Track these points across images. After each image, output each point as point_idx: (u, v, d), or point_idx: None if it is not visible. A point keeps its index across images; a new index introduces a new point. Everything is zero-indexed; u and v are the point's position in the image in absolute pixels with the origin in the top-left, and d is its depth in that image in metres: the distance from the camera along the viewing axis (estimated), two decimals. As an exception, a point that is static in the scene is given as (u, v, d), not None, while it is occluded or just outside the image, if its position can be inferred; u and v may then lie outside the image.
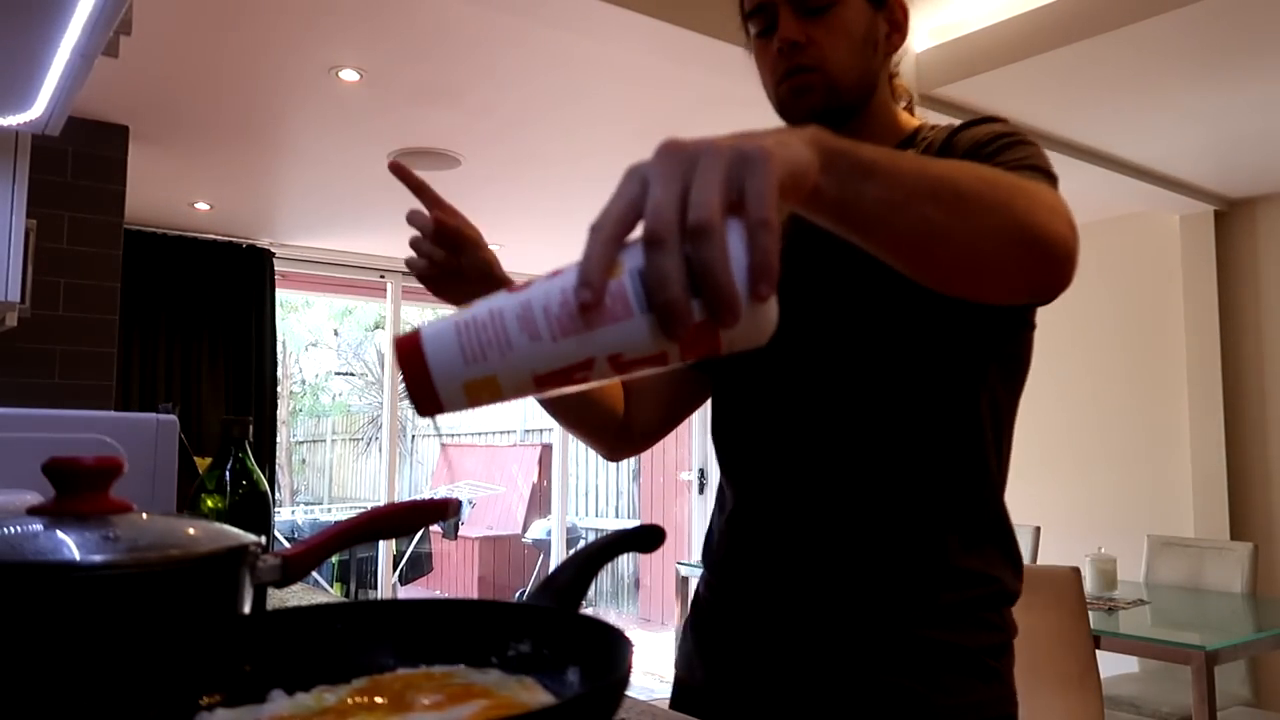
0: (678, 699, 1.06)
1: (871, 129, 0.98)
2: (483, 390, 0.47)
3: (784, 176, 0.49)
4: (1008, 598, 0.93)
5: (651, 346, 0.45)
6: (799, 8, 0.95)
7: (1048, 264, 0.70)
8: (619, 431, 1.14)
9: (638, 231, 0.46)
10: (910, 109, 1.07)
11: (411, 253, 1.01)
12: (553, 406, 1.11)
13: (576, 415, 1.11)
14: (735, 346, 0.46)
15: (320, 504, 9.95)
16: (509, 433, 8.99)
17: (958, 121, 0.97)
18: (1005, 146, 0.87)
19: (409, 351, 0.47)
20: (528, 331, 0.45)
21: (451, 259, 1.01)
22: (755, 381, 0.99)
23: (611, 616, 7.05)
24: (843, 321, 0.92)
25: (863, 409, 0.91)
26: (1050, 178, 0.83)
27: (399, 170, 1.00)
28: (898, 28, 1.00)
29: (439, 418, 0.50)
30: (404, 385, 0.47)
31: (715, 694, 0.99)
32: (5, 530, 0.57)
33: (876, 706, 0.87)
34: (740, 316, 0.44)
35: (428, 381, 0.47)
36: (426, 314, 11.73)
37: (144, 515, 0.63)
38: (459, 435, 9.72)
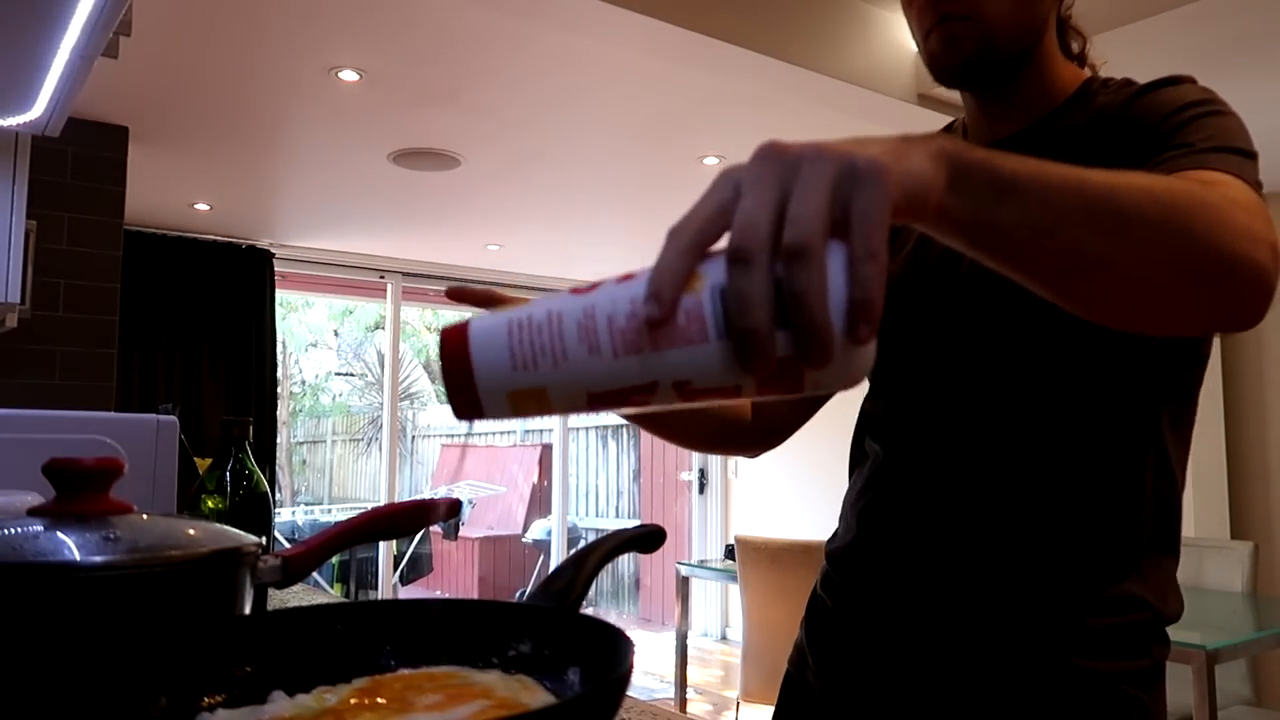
0: (785, 694, 1.00)
1: (1033, 85, 0.88)
2: (529, 401, 0.41)
3: (900, 197, 0.43)
4: (1160, 623, 0.86)
5: (724, 378, 0.39)
6: None
7: (1234, 298, 0.58)
8: (748, 436, 1.04)
9: (724, 243, 0.40)
10: (1084, 54, 0.94)
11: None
12: (652, 422, 1.00)
13: (684, 430, 1.00)
14: (820, 388, 0.40)
15: (320, 504, 9.95)
16: (509, 433, 8.99)
17: (1128, 79, 0.86)
18: (1194, 119, 0.75)
19: (454, 348, 0.42)
20: (587, 343, 0.40)
21: None
22: (912, 390, 0.91)
23: (611, 616, 7.05)
24: (997, 349, 0.84)
25: (1018, 439, 0.83)
26: (1248, 161, 0.70)
27: (459, 295, 0.89)
28: None
29: (476, 422, 0.44)
30: (443, 382, 0.42)
31: (828, 700, 0.93)
32: (6, 531, 0.57)
33: None
34: (832, 357, 0.38)
35: (470, 384, 0.41)
36: (426, 314, 11.74)
37: (144, 516, 0.63)
38: (459, 435, 9.72)
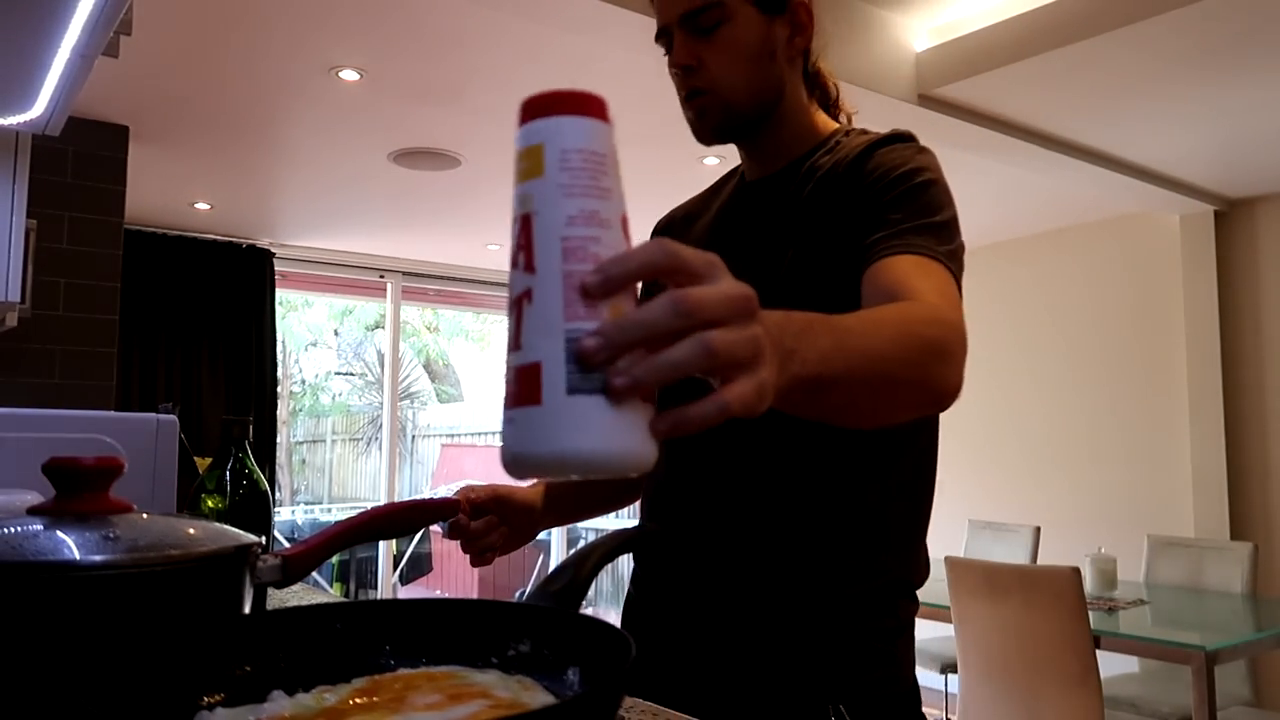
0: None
1: (783, 135, 1.02)
2: None
3: (755, 405, 0.50)
4: (905, 585, 1.01)
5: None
6: (690, 30, 0.97)
7: (938, 408, 0.80)
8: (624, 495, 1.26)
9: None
10: (837, 103, 1.10)
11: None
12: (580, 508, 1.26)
13: (584, 508, 1.25)
14: (596, 450, 0.45)
15: (320, 504, 9.95)
16: (509, 433, 8.97)
17: (885, 132, 1.00)
18: (910, 193, 0.90)
19: None
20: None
21: (494, 524, 1.06)
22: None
23: (611, 616, 7.04)
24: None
25: (771, 466, 0.98)
26: (945, 230, 0.89)
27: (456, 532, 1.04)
28: (801, 29, 1.02)
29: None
30: None
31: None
32: (5, 530, 0.57)
33: (779, 678, 0.96)
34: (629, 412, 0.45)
35: None
36: (426, 314, 11.73)
37: (144, 515, 0.63)
38: (459, 435, 9.72)
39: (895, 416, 0.79)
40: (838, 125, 1.05)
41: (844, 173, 0.96)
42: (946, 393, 0.78)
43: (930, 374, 0.75)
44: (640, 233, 1.07)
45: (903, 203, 0.90)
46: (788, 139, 1.02)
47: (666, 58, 1.02)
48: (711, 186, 1.17)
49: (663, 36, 1.00)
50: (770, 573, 0.98)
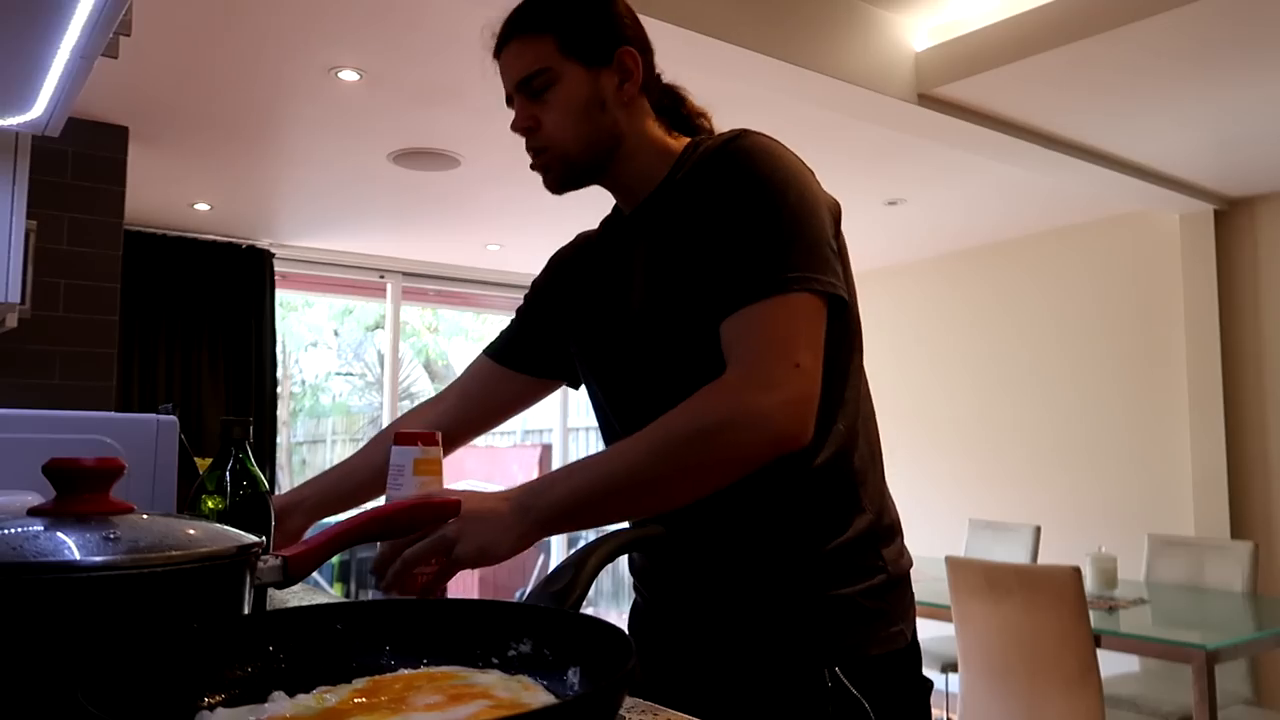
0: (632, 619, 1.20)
1: (632, 171, 1.06)
2: None
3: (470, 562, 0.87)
4: (884, 530, 1.01)
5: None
6: (527, 94, 1.05)
7: (766, 459, 0.88)
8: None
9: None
10: (690, 111, 1.16)
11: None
12: None
13: None
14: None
15: (320, 504, 9.93)
16: (509, 433, 8.99)
17: (715, 142, 1.03)
18: (742, 221, 0.93)
19: None
20: None
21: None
22: (615, 388, 1.11)
23: (612, 616, 7.04)
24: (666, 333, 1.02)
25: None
26: (789, 249, 0.91)
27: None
28: (628, 75, 1.05)
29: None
30: None
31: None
32: (5, 530, 0.57)
33: (775, 642, 0.98)
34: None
35: None
36: (426, 314, 11.71)
37: (144, 516, 0.63)
38: (459, 435, 9.71)
39: (705, 490, 0.89)
40: (691, 139, 1.09)
41: (700, 181, 1.00)
42: (750, 457, 0.87)
43: (706, 460, 0.87)
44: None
45: (736, 236, 0.93)
46: (641, 171, 1.07)
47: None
48: (601, 221, 1.22)
49: (510, 102, 1.09)
50: (742, 549, 1.00)
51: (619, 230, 1.13)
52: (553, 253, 1.26)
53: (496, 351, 1.24)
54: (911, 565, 1.04)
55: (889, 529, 1.02)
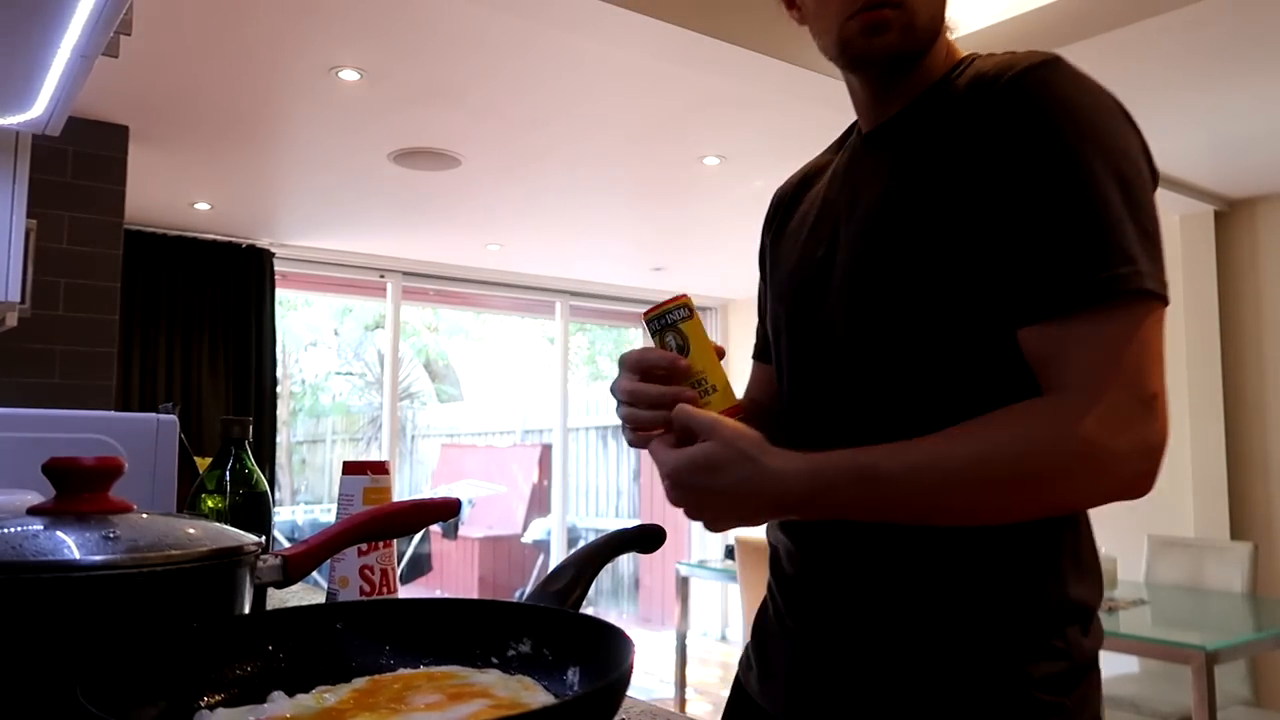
0: (732, 702, 1.00)
1: (924, 68, 0.86)
2: None
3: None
4: (1062, 615, 0.79)
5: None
6: None
7: (1092, 505, 0.74)
8: None
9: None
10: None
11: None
12: None
13: None
14: None
15: (320, 504, 9.95)
16: (509, 433, 8.99)
17: (1024, 59, 0.80)
18: (1063, 193, 0.71)
19: None
20: None
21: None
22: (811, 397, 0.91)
23: (611, 616, 7.05)
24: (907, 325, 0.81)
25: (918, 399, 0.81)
26: (1128, 237, 0.70)
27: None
28: None
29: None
30: None
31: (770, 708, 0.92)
32: (5, 530, 0.57)
33: None
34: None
35: None
36: (426, 314, 11.71)
37: (144, 515, 0.63)
38: (459, 435, 9.72)
39: (1003, 523, 0.75)
40: (968, 54, 0.88)
41: (984, 99, 0.78)
42: (1081, 505, 0.74)
43: (1031, 502, 0.71)
44: (791, 165, 1.03)
45: (1049, 204, 0.72)
46: (925, 71, 0.86)
47: None
48: (830, 146, 1.03)
49: None
50: (900, 612, 0.81)
51: (862, 151, 0.91)
52: (779, 187, 1.07)
53: (757, 351, 1.06)
54: (1100, 645, 0.83)
55: (1086, 607, 0.81)
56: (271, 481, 4.87)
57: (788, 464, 0.72)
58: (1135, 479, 0.69)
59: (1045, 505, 0.73)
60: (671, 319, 0.81)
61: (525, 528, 7.92)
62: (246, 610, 0.64)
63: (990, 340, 0.76)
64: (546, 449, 8.14)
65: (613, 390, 0.85)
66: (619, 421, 0.87)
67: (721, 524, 0.76)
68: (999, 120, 0.76)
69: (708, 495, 0.74)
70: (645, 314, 0.82)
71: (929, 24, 0.83)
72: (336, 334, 11.94)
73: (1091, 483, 0.69)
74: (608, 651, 0.53)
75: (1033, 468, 0.69)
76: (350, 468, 0.98)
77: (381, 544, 0.98)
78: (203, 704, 0.53)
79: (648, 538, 0.76)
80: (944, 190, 0.78)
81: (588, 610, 0.66)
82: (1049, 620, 0.78)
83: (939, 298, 0.77)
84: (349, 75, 2.91)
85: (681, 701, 4.11)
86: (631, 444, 0.86)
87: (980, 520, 0.74)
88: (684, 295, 0.82)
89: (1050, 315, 0.71)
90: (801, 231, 0.94)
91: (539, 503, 8.08)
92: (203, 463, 1.25)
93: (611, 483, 8.19)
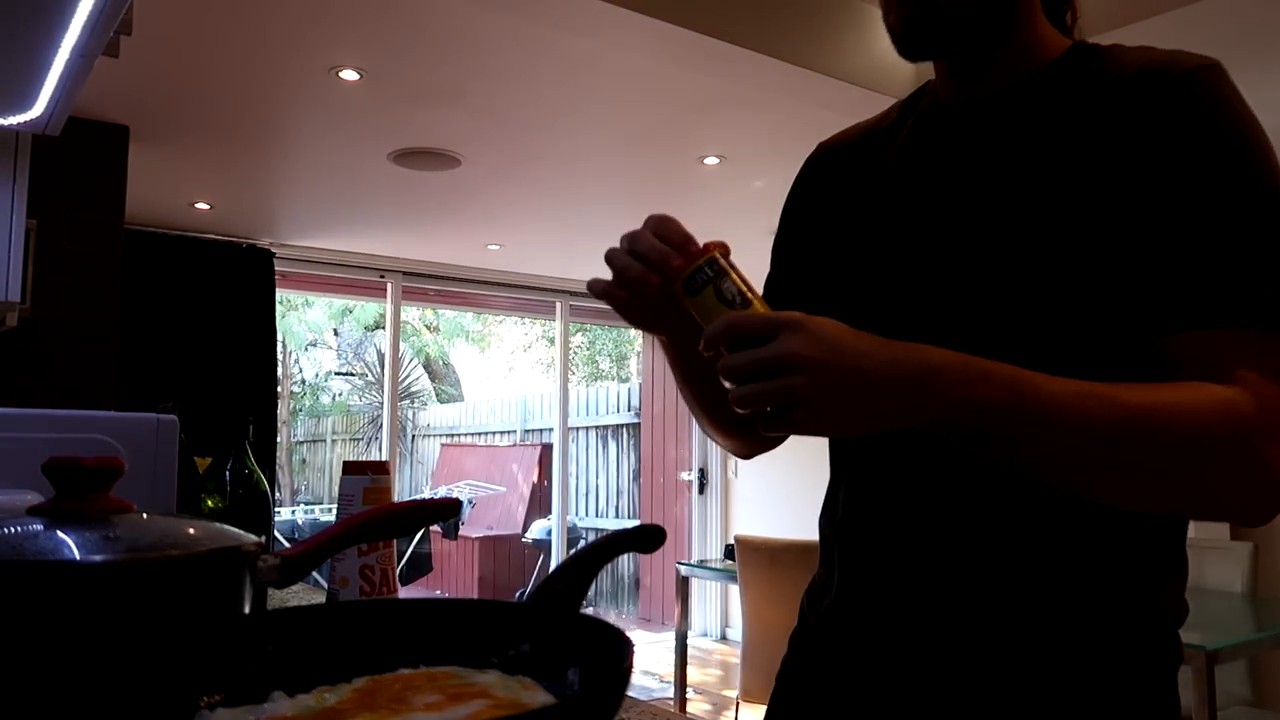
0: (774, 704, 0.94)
1: (1013, 47, 0.82)
2: None
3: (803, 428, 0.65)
4: (1166, 626, 0.80)
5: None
6: None
7: (1217, 518, 0.70)
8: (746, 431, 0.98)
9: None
10: (1072, 27, 0.88)
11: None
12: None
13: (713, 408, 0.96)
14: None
15: (320, 504, 9.96)
16: (509, 433, 8.99)
17: (1125, 46, 0.79)
18: (1241, 200, 0.69)
19: None
20: None
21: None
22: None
23: (611, 616, 7.06)
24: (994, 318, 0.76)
25: None
26: None
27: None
28: None
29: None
30: None
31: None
32: (6, 530, 0.57)
33: None
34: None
35: None
36: (426, 314, 11.71)
37: (144, 515, 0.63)
38: (459, 435, 9.73)
39: (1127, 503, 0.69)
40: (1074, 42, 0.83)
41: (1118, 91, 0.74)
42: (1214, 504, 0.68)
43: (1182, 478, 0.65)
44: (791, 165, 1.03)
45: (1207, 221, 0.68)
46: (1019, 52, 0.81)
47: None
48: (880, 115, 0.96)
49: None
50: (1011, 624, 0.76)
51: (952, 121, 0.85)
52: (815, 148, 1.00)
53: None
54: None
55: (1178, 622, 0.81)
56: (271, 481, 4.87)
57: (930, 346, 0.66)
58: (1267, 502, 0.66)
59: (1193, 489, 0.66)
60: (705, 276, 0.71)
61: (525, 528, 7.92)
62: (246, 610, 0.64)
63: (1114, 335, 0.72)
64: (546, 449, 8.14)
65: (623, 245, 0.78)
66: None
67: (841, 410, 0.63)
68: (1174, 117, 0.72)
69: (830, 373, 0.62)
70: (679, 277, 0.72)
71: (979, 4, 0.79)
72: (336, 334, 11.95)
73: (1240, 480, 0.65)
74: (608, 651, 0.53)
75: (1201, 441, 0.64)
76: (350, 468, 0.98)
77: (381, 544, 0.98)
78: (203, 704, 0.53)
79: (648, 538, 0.76)
80: (1104, 177, 0.72)
81: (588, 610, 0.66)
82: (1174, 620, 0.81)
83: (1081, 287, 0.72)
84: (349, 75, 2.91)
85: (682, 701, 4.11)
86: (597, 292, 0.79)
87: (1123, 486, 0.66)
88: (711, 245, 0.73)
89: (1210, 324, 0.67)
90: (887, 200, 0.86)
91: (539, 502, 8.08)
92: (203, 463, 1.25)
93: (611, 483, 8.20)
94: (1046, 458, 0.65)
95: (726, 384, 0.65)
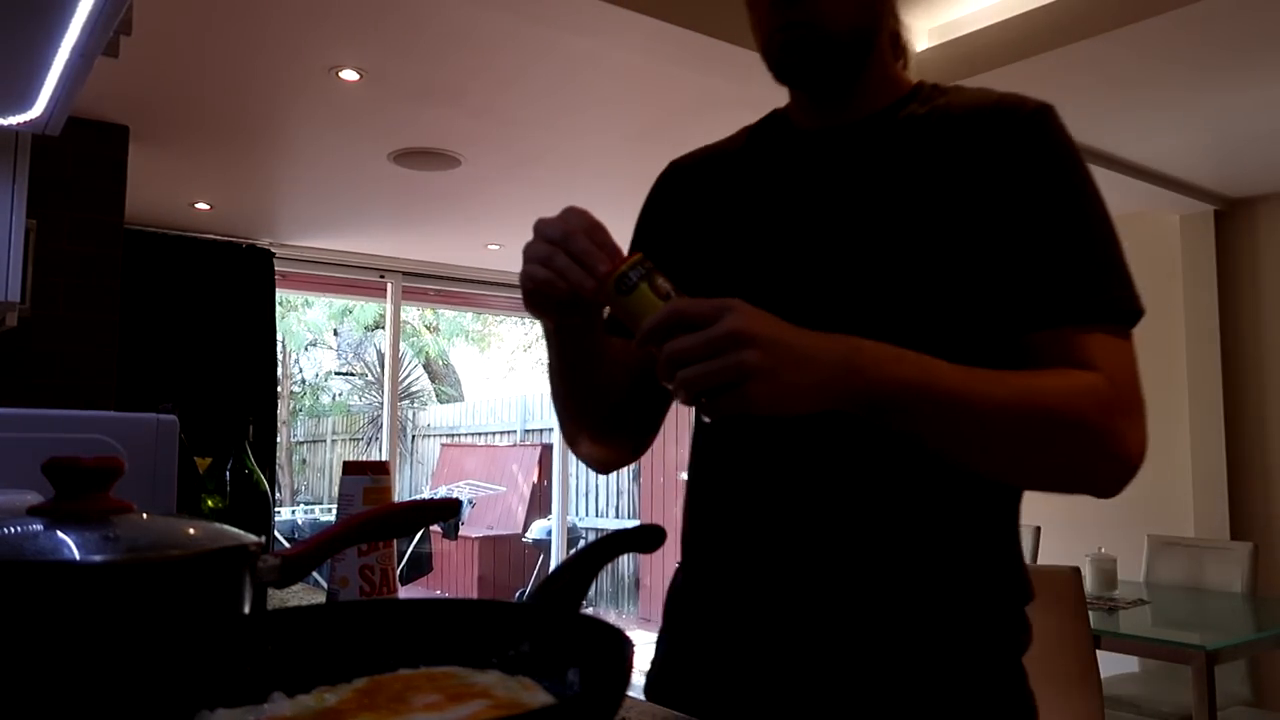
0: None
1: (869, 82, 0.91)
2: None
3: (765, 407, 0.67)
4: (1017, 601, 0.86)
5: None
6: None
7: (1084, 491, 0.78)
8: (627, 422, 1.01)
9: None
10: (905, 65, 0.98)
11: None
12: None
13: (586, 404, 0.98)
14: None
15: (320, 504, 9.96)
16: (509, 433, 8.99)
17: (965, 86, 0.90)
18: (1071, 219, 0.81)
19: None
20: None
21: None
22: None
23: (611, 616, 7.05)
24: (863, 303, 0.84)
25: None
26: (1120, 271, 0.81)
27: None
28: None
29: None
30: None
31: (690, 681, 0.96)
32: (5, 530, 0.57)
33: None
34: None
35: None
36: (426, 314, 11.71)
37: (144, 515, 0.63)
38: (459, 435, 9.72)
39: (1015, 480, 0.80)
40: (917, 82, 0.94)
41: (957, 123, 0.86)
42: (1085, 479, 0.77)
43: (1061, 453, 0.75)
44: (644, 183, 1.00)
45: (1064, 236, 0.80)
46: (873, 86, 0.91)
47: None
48: (729, 138, 1.04)
49: None
50: (870, 596, 0.82)
51: (813, 147, 0.93)
52: (668, 164, 1.05)
53: (607, 325, 0.95)
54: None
55: (1025, 601, 0.88)
56: (271, 481, 4.87)
57: (832, 335, 0.72)
58: (1127, 474, 0.76)
59: (1064, 452, 0.75)
60: (639, 273, 0.75)
61: (525, 527, 7.92)
62: (246, 610, 0.64)
63: (979, 337, 0.81)
64: (546, 449, 8.14)
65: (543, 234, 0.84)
66: None
67: (789, 382, 0.67)
68: (1026, 149, 0.83)
69: (778, 347, 0.66)
70: (608, 278, 0.77)
71: (849, 38, 0.87)
72: (336, 334, 11.95)
73: (1108, 458, 0.75)
74: (608, 651, 0.53)
75: (1080, 420, 0.74)
76: (350, 468, 0.98)
77: (381, 544, 0.98)
78: (203, 704, 0.53)
79: (648, 538, 0.76)
80: (962, 199, 0.82)
81: (588, 610, 0.66)
82: (1019, 598, 0.86)
83: (946, 293, 0.81)
84: (349, 75, 2.91)
85: (681, 701, 4.10)
86: (540, 280, 0.84)
87: (1009, 455, 0.76)
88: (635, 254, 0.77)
89: (1072, 323, 0.78)
90: (753, 218, 0.93)
91: (539, 502, 8.08)
92: (203, 463, 1.25)
93: (611, 483, 8.20)
94: (951, 431, 0.73)
95: (668, 371, 0.67)
